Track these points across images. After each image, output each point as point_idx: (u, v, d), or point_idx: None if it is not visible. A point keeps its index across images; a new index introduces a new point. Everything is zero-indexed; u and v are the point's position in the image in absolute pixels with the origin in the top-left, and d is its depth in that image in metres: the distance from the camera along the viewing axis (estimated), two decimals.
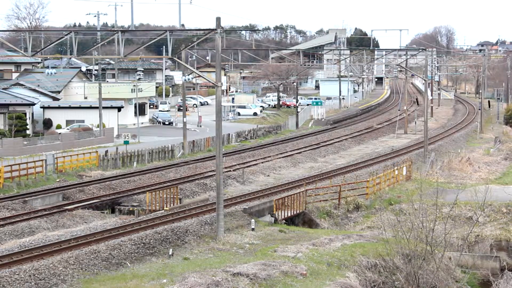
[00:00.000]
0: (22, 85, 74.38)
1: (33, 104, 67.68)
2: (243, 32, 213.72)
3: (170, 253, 27.94)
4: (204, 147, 61.72)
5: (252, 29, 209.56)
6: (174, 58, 39.62)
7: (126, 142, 57.04)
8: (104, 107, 68.35)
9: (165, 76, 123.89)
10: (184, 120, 61.28)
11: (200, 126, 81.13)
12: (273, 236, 31.96)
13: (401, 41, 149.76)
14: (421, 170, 50.62)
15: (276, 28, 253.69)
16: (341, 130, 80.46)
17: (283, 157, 56.37)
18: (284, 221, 35.82)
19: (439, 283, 27.61)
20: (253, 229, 32.59)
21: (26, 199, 37.48)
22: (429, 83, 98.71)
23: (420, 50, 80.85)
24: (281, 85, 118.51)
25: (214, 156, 39.05)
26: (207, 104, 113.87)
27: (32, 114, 68.40)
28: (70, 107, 72.61)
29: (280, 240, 31.22)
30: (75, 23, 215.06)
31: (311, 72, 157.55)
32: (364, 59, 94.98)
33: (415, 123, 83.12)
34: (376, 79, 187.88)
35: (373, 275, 28.02)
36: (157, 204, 36.16)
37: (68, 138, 61.17)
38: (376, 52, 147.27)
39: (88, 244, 27.68)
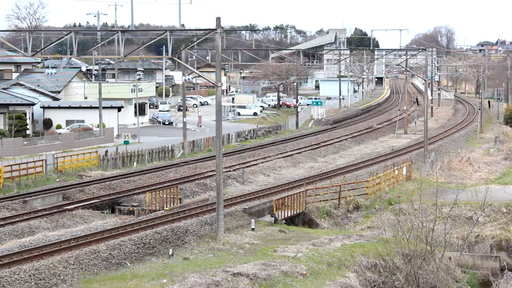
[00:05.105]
0: (22, 85, 74.36)
1: (33, 104, 67.68)
2: (243, 32, 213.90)
3: (170, 253, 27.94)
4: (204, 147, 61.72)
5: (252, 29, 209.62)
6: (174, 58, 39.64)
7: (126, 142, 57.05)
8: (104, 107, 68.35)
9: (165, 76, 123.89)
10: (184, 120, 61.28)
11: (200, 126, 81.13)
12: (273, 236, 31.96)
13: (401, 41, 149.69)
14: (421, 170, 50.60)
15: (276, 28, 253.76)
16: (341, 130, 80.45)
17: (283, 157, 56.36)
18: (284, 221, 35.82)
19: (439, 283, 27.62)
20: (253, 229, 32.59)
21: (26, 199, 37.47)
22: (429, 83, 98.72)
23: (420, 50, 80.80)
24: (281, 85, 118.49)
25: (214, 156, 39.07)
26: (207, 104, 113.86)
27: (32, 114, 68.40)
28: (70, 107, 72.62)
29: (280, 240, 31.22)
30: (75, 23, 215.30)
31: (311, 72, 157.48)
32: (364, 59, 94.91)
33: (415, 123, 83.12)
34: (376, 79, 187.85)
35: (373, 275, 28.03)
36: (157, 204, 36.15)
37: (68, 138, 61.17)
38: (376, 52, 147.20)
39: (88, 244, 27.67)
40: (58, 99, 75.03)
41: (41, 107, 70.50)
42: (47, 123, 70.33)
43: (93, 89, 76.30)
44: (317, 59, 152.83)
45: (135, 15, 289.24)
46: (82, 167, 49.05)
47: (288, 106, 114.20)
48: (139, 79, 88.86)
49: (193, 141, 61.30)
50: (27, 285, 23.39)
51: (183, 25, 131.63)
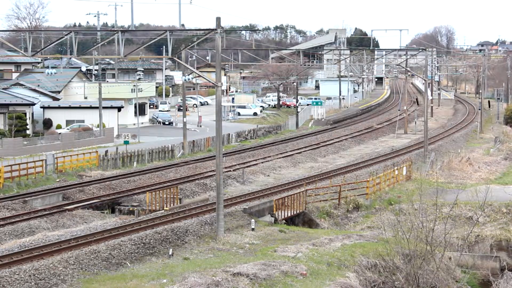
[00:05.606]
0: (22, 85, 74.39)
1: (33, 104, 67.69)
2: (243, 32, 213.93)
3: (170, 253, 27.94)
4: (204, 147, 61.72)
5: (252, 29, 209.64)
6: (174, 58, 39.64)
7: (126, 142, 57.05)
8: (104, 107, 68.37)
9: (165, 76, 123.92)
10: (184, 120, 61.27)
11: (200, 126, 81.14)
12: (273, 236, 31.95)
13: (401, 41, 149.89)
14: (421, 170, 50.60)
15: (276, 28, 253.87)
16: (341, 130, 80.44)
17: (283, 157, 56.35)
18: (284, 221, 35.80)
19: (439, 283, 27.61)
20: (253, 229, 32.58)
21: (26, 199, 37.45)
22: (429, 83, 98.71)
23: (420, 50, 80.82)
24: (281, 85, 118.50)
25: (214, 156, 39.07)
26: (207, 104, 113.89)
27: (32, 114, 68.41)
28: (70, 107, 72.64)
29: (280, 240, 31.21)
30: (75, 23, 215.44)
31: (311, 72, 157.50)
32: (364, 59, 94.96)
33: (415, 123, 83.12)
34: (376, 79, 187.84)
35: (373, 275, 28.02)
36: (157, 204, 36.15)
37: (68, 138, 61.17)
38: (376, 52, 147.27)
39: (88, 244, 27.66)
40: (58, 99, 75.04)
41: (41, 107, 70.51)
42: (47, 123, 70.34)
43: (93, 89, 76.32)
44: (317, 59, 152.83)
45: (135, 15, 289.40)
46: (82, 167, 49.05)
47: (288, 106, 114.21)
48: (139, 79, 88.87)
49: (193, 141, 61.30)
50: (27, 285, 23.38)
51: (183, 25, 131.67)
